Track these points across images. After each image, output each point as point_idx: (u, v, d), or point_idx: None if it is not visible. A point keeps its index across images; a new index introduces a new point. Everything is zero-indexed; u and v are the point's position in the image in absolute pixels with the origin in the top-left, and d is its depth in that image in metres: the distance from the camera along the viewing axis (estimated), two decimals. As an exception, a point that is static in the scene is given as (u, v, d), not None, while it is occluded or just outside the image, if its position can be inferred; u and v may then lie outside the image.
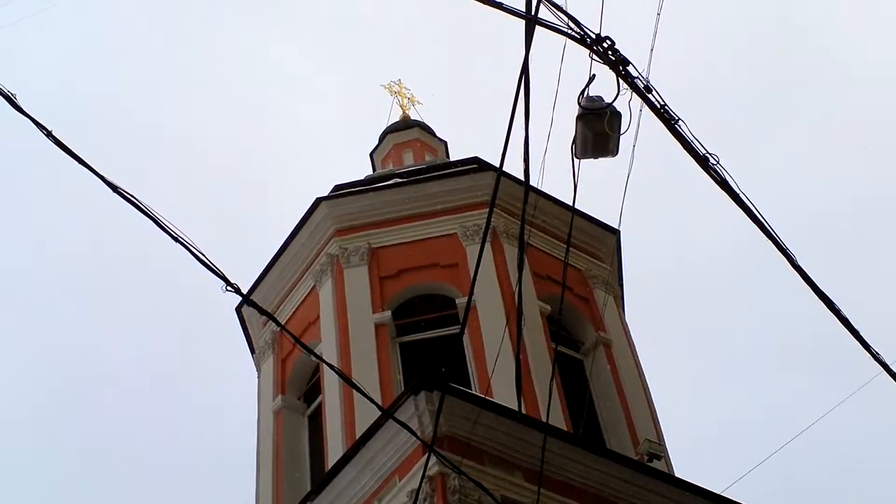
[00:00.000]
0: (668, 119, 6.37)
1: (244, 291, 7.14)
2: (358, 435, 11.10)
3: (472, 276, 12.43)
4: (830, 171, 39.21)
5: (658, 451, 12.19)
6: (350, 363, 12.89)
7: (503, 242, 14.18)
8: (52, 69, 39.77)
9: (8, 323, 38.19)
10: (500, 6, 6.47)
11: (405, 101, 20.77)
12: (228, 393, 38.63)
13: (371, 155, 20.20)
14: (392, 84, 20.95)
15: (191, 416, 40.86)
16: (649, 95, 6.37)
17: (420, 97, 20.92)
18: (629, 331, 15.19)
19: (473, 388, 12.17)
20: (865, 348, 7.29)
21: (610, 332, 14.49)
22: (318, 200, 15.27)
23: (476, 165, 15.37)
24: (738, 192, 6.56)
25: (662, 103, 6.36)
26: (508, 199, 12.92)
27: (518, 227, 11.17)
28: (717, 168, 6.49)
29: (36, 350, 40.68)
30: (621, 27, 6.64)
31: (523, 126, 6.79)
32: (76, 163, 6.56)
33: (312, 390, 14.42)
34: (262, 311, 8.36)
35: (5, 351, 39.56)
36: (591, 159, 7.17)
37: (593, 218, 15.54)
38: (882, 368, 7.44)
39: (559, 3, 6.41)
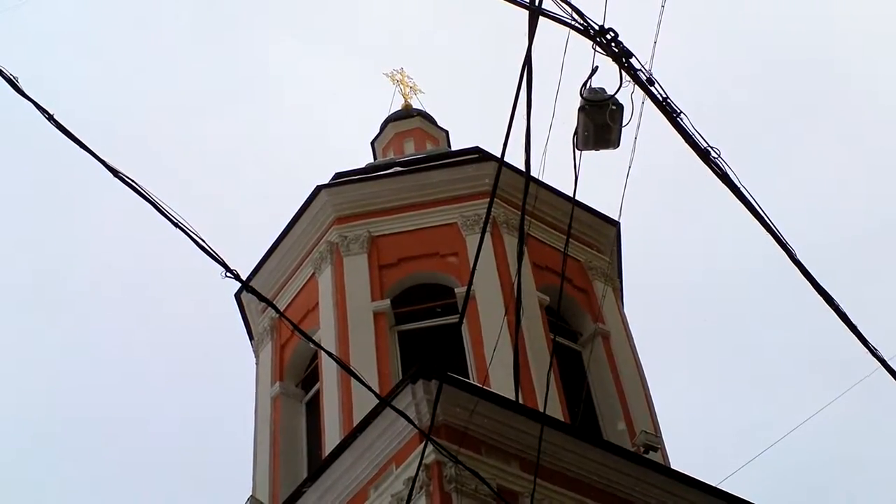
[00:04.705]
0: (669, 112, 6.37)
1: (243, 278, 7.15)
2: (355, 422, 11.12)
3: (471, 265, 12.45)
4: (836, 182, 38.97)
5: (654, 442, 12.21)
6: (348, 351, 12.91)
7: (503, 233, 14.19)
8: (55, 54, 39.73)
9: (7, 316, 38.20)
10: (504, -4, 6.46)
11: (407, 89, 20.77)
12: (226, 379, 38.61)
13: (372, 143, 20.20)
14: (394, 73, 20.95)
15: (187, 400, 40.95)
16: (651, 88, 6.37)
17: (422, 86, 20.94)
18: (628, 323, 15.21)
19: (471, 378, 12.19)
20: (864, 344, 7.31)
21: (608, 323, 14.51)
22: (319, 188, 15.27)
23: (477, 155, 15.36)
24: (739, 185, 6.57)
25: (664, 96, 6.37)
26: (509, 189, 12.91)
27: (518, 218, 11.17)
28: (719, 162, 6.50)
29: (33, 343, 40.69)
30: (624, 19, 6.64)
31: (525, 117, 6.81)
32: (77, 147, 6.57)
33: (310, 377, 14.44)
34: (261, 298, 8.37)
35: (5, 343, 39.58)
36: (593, 151, 7.18)
37: (594, 209, 15.55)
38: (880, 364, 7.46)
39: (563, -5, 6.40)
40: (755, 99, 42.12)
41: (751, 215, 6.68)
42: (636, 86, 6.44)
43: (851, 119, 39.76)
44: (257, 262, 15.74)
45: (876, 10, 36.15)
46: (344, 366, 9.99)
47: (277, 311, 8.70)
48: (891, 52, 38.72)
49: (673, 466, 12.27)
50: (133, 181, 6.59)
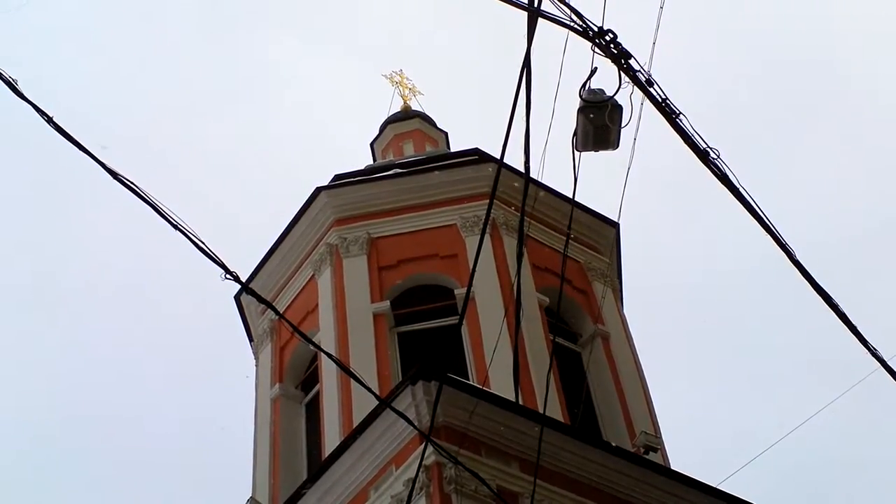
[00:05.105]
0: (669, 113, 6.38)
1: (243, 280, 7.15)
2: (355, 424, 11.13)
3: (471, 267, 12.45)
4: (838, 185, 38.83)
5: (654, 443, 12.22)
6: (348, 352, 12.91)
7: (503, 234, 14.20)
8: (56, 53, 39.74)
9: (6, 316, 38.13)
10: (503, -2, 6.47)
11: (406, 91, 20.78)
12: (226, 381, 38.59)
13: (371, 145, 20.21)
14: (393, 74, 20.96)
15: (187, 402, 40.89)
16: (651, 89, 6.38)
17: (421, 88, 20.95)
18: (627, 324, 15.22)
19: (471, 379, 12.19)
20: (863, 344, 7.31)
21: (608, 324, 14.52)
22: (318, 190, 15.27)
23: (476, 157, 15.37)
24: (738, 186, 6.58)
25: (664, 97, 6.37)
26: (508, 190, 12.91)
27: (518, 219, 11.18)
28: (718, 162, 6.50)
29: (32, 343, 40.63)
30: (623, 20, 6.64)
31: (524, 118, 6.81)
32: (77, 150, 6.56)
33: (310, 379, 14.44)
34: (260, 300, 8.36)
35: (3, 343, 39.54)
36: (592, 152, 7.19)
37: (593, 211, 15.56)
38: (879, 364, 7.46)
39: (562, -4, 6.41)
40: (755, 100, 42.14)
41: (750, 216, 6.69)
42: (635, 87, 6.44)
43: (851, 119, 39.75)
44: (257, 263, 15.75)
45: (876, 10, 36.16)
46: (343, 367, 9.99)
47: (277, 312, 8.70)
48: (891, 51, 38.71)
49: (673, 467, 12.27)
50: (133, 183, 6.57)
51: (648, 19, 6.97)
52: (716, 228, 37.52)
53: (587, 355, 13.90)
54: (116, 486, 36.85)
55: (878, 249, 36.32)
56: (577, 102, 7.01)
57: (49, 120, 6.52)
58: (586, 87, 6.94)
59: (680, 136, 6.41)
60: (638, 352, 14.82)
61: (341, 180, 15.66)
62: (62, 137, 6.53)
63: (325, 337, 13.48)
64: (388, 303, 13.76)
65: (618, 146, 7.13)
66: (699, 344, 39.36)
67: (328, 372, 13.07)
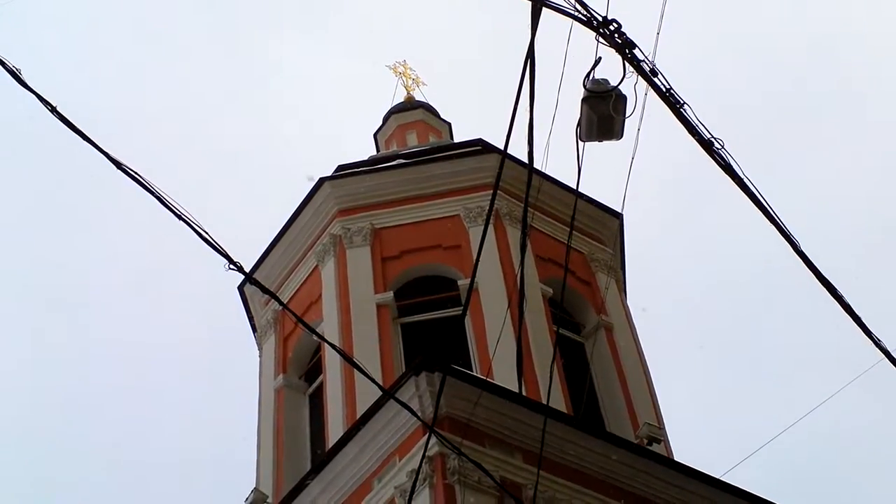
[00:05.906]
0: (673, 103, 6.36)
1: (247, 270, 7.15)
2: (359, 414, 11.14)
3: (474, 258, 12.42)
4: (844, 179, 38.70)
5: (657, 434, 12.22)
6: (351, 343, 12.93)
7: (506, 225, 14.20)
8: (53, 55, 39.68)
9: (6, 312, 38.14)
10: (507, -13, 6.45)
11: (410, 81, 20.74)
12: (229, 372, 38.61)
13: (375, 135, 20.18)
14: (397, 65, 20.92)
15: (190, 394, 40.99)
16: (655, 79, 6.36)
17: (424, 78, 20.92)
18: (630, 315, 15.21)
19: (474, 370, 12.19)
20: (867, 335, 7.30)
21: (611, 315, 14.51)
22: (322, 180, 15.27)
23: (480, 147, 15.37)
24: (742, 176, 6.56)
25: (668, 87, 6.35)
26: (512, 181, 12.89)
27: (521, 210, 11.17)
28: (722, 152, 6.49)
29: (34, 338, 40.66)
30: (628, 10, 6.62)
31: (528, 108, 6.80)
32: (80, 139, 6.56)
33: (313, 370, 14.46)
34: (264, 290, 8.38)
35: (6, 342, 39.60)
36: (596, 142, 7.17)
37: (596, 201, 15.54)
38: (883, 355, 7.45)
39: (566, -15, 6.39)
40: (759, 91, 42.01)
41: (754, 206, 6.68)
42: (639, 76, 6.43)
43: (856, 115, 39.57)
44: (260, 254, 15.75)
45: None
46: (347, 358, 9.97)
47: (280, 303, 8.71)
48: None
49: (676, 458, 12.27)
50: (136, 173, 6.58)
51: (652, 8, 6.95)
52: (720, 219, 37.44)
53: (590, 346, 13.91)
54: (117, 479, 36.93)
55: (882, 245, 36.27)
56: (580, 92, 6.99)
57: (53, 109, 6.52)
58: (590, 77, 6.91)
59: (684, 125, 6.40)
60: (641, 343, 14.83)
61: (345, 171, 15.66)
62: (66, 127, 6.54)
63: (329, 327, 13.49)
64: (391, 293, 13.77)
65: (622, 136, 7.11)
66: (702, 335, 39.33)
67: (332, 362, 13.09)
